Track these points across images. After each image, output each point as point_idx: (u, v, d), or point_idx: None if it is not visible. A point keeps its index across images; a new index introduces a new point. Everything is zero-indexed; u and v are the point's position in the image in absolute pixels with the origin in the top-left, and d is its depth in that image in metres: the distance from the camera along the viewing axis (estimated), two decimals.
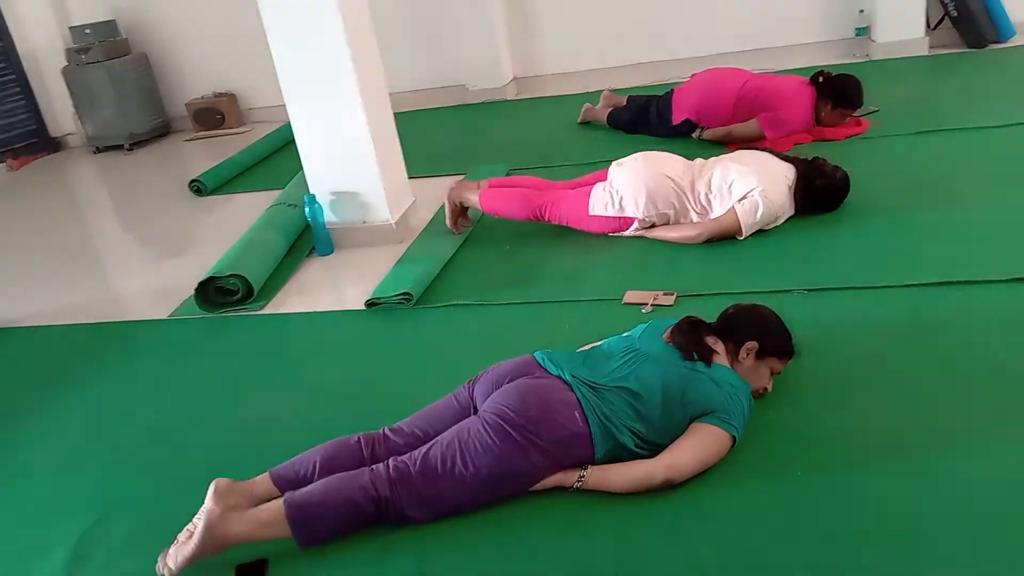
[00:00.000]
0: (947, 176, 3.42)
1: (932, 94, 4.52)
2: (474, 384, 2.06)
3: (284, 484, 1.94)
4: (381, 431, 2.04)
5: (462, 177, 3.74)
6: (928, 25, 5.36)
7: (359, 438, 2.01)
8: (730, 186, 3.09)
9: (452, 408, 2.04)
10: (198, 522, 1.85)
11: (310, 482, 1.92)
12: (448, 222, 3.52)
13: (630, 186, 3.20)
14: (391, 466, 1.88)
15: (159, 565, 1.83)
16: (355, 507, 1.84)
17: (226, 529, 1.81)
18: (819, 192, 3.15)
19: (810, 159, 3.20)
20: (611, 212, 3.23)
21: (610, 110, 4.76)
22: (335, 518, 1.84)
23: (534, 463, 1.87)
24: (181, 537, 1.87)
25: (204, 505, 1.88)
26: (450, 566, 1.79)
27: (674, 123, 4.33)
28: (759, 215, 3.02)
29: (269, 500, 1.91)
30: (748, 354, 2.06)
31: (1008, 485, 1.77)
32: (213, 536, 1.80)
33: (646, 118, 4.51)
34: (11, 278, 4.06)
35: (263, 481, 1.96)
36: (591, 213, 3.26)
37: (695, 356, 1.99)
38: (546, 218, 3.36)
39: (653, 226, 3.20)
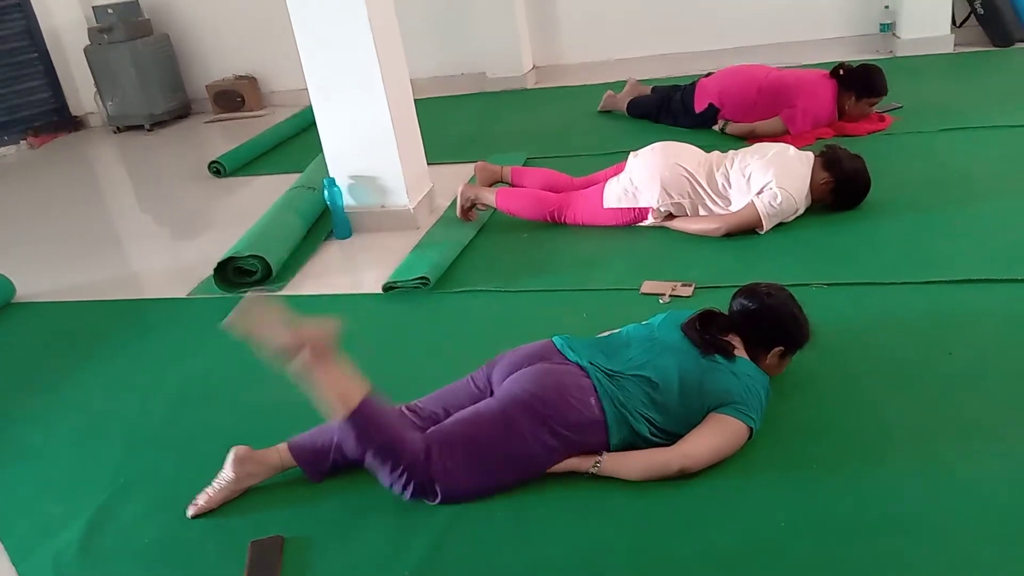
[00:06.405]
0: (971, 174, 3.38)
1: (957, 92, 4.46)
2: (492, 367, 2.06)
3: (301, 454, 1.99)
4: (398, 408, 2.05)
5: (483, 161, 3.75)
6: (954, 22, 5.30)
7: None
8: (748, 179, 3.08)
9: (469, 390, 2.05)
10: (216, 487, 1.96)
11: (328, 453, 1.96)
12: (458, 212, 3.53)
13: (645, 176, 3.20)
14: None
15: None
16: (400, 440, 1.85)
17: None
18: (841, 184, 3.10)
19: (826, 148, 3.16)
20: (625, 203, 3.24)
21: (632, 98, 4.75)
22: (384, 435, 1.84)
23: (548, 446, 1.88)
24: (200, 500, 1.98)
25: (222, 472, 1.97)
26: (463, 549, 1.79)
27: (697, 110, 4.31)
28: (778, 208, 3.00)
29: (285, 469, 2.00)
30: (775, 358, 2.05)
31: (1021, 483, 1.76)
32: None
33: (668, 106, 4.49)
34: (30, 254, 4.09)
35: (280, 450, 2.00)
36: (605, 206, 3.27)
37: (713, 352, 1.97)
38: (561, 220, 3.37)
39: (671, 216, 3.19)
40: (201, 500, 1.97)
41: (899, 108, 4.22)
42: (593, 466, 1.89)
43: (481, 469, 1.87)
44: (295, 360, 1.80)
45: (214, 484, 1.99)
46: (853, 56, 5.18)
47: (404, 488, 1.86)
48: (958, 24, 5.34)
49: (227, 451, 2.01)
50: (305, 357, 1.78)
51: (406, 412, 2.04)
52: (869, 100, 4.02)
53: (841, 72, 4.03)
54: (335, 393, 1.81)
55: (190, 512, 1.96)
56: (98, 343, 3.01)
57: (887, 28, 5.44)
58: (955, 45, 5.23)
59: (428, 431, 1.92)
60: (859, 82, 4.00)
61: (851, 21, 5.57)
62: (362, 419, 1.82)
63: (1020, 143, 3.65)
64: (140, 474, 2.20)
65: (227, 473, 1.97)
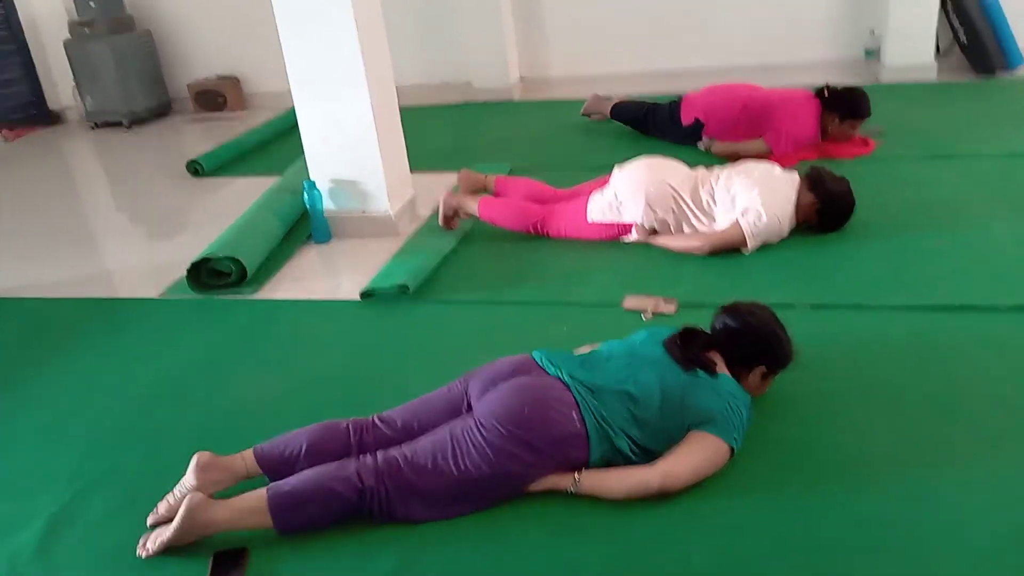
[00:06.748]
0: (953, 201, 3.40)
1: (940, 120, 4.49)
2: (469, 379, 2.01)
3: (267, 462, 1.92)
4: (371, 419, 2.00)
5: (467, 169, 3.73)
6: (938, 50, 5.35)
7: (348, 424, 1.98)
8: (733, 198, 3.07)
9: (445, 402, 2.00)
10: (178, 495, 1.87)
11: (295, 463, 1.89)
12: (440, 221, 3.49)
13: (630, 191, 3.18)
14: (379, 458, 1.84)
15: (139, 547, 1.82)
16: (338, 497, 1.80)
17: (208, 516, 1.78)
18: (825, 205, 3.11)
19: (811, 170, 3.16)
20: (609, 218, 3.21)
21: (617, 102, 4.75)
22: (317, 507, 1.80)
23: (527, 463, 1.83)
24: (160, 508, 1.89)
25: (185, 479, 1.90)
26: (433, 565, 1.74)
27: (684, 124, 4.30)
28: (763, 227, 2.99)
29: (250, 477, 1.91)
30: (756, 377, 2.02)
31: (1000, 508, 1.76)
32: (194, 522, 1.77)
33: (655, 118, 4.49)
34: (0, 249, 3.99)
35: (246, 457, 1.93)
36: (589, 219, 3.25)
37: (695, 368, 1.94)
38: (544, 232, 3.34)
39: (655, 232, 3.17)
40: (162, 508, 1.90)
41: (883, 132, 4.23)
42: (572, 484, 1.85)
43: (452, 494, 1.81)
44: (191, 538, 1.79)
45: (175, 492, 1.91)
46: (836, 80, 5.19)
47: (372, 518, 1.83)
48: (941, 52, 5.39)
49: (193, 453, 1.94)
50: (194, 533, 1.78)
51: (378, 423, 1.99)
52: (852, 122, 4.03)
53: (826, 93, 4.04)
54: (250, 523, 1.79)
55: (150, 520, 1.89)
56: (68, 341, 2.93)
57: (872, 54, 5.49)
58: (938, 73, 5.28)
59: (399, 451, 1.86)
60: (843, 104, 4.01)
61: (836, 45, 5.63)
62: (287, 517, 1.79)
63: (1001, 172, 3.68)
64: (103, 475, 2.14)
65: (189, 480, 1.90)
